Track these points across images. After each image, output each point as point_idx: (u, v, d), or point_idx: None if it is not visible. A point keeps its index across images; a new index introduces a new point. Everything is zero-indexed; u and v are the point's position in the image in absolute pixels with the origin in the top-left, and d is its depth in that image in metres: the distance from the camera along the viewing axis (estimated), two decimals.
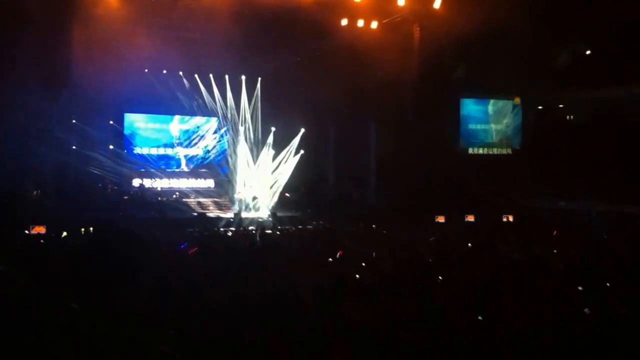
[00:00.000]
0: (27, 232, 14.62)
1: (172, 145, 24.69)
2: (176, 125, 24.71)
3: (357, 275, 8.60)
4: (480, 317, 6.39)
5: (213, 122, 24.86)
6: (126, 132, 23.67)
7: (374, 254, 10.70)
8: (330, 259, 10.67)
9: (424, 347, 5.39)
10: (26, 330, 5.82)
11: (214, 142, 25.14)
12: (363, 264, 9.61)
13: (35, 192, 19.63)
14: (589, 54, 21.07)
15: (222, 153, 25.19)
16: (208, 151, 25.13)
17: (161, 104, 23.42)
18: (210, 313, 6.47)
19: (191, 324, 6.10)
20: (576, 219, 17.95)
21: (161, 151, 24.52)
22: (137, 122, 24.07)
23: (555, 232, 14.68)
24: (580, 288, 7.74)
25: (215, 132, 25.04)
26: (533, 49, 20.77)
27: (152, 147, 24.33)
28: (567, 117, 24.37)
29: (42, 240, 13.41)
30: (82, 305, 6.61)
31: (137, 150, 23.98)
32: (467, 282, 8.02)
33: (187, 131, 24.89)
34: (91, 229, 15.35)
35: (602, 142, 20.73)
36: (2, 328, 5.73)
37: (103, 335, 5.72)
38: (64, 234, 14.27)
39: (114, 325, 5.89)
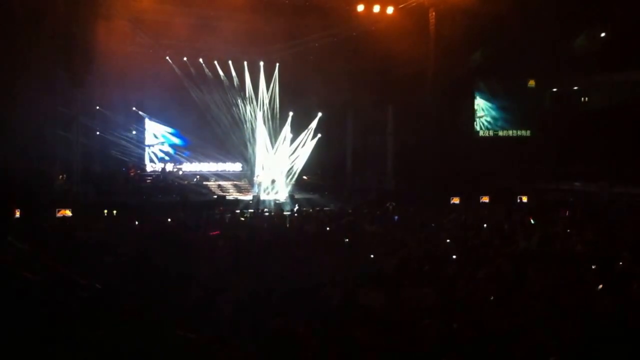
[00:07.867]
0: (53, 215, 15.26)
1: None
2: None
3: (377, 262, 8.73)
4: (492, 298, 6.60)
5: None
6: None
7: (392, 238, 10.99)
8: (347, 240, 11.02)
9: (443, 334, 5.42)
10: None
11: None
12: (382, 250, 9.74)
13: (61, 176, 20.24)
14: (605, 37, 21.06)
15: None
16: None
17: (181, 91, 23.90)
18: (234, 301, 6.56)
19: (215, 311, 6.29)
20: (592, 200, 18.23)
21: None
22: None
23: (567, 212, 14.95)
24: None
25: None
26: (548, 32, 20.75)
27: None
28: (582, 99, 24.42)
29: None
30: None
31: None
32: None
33: None
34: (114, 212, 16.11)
35: (618, 124, 20.76)
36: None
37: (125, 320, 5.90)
38: None
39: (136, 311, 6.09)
